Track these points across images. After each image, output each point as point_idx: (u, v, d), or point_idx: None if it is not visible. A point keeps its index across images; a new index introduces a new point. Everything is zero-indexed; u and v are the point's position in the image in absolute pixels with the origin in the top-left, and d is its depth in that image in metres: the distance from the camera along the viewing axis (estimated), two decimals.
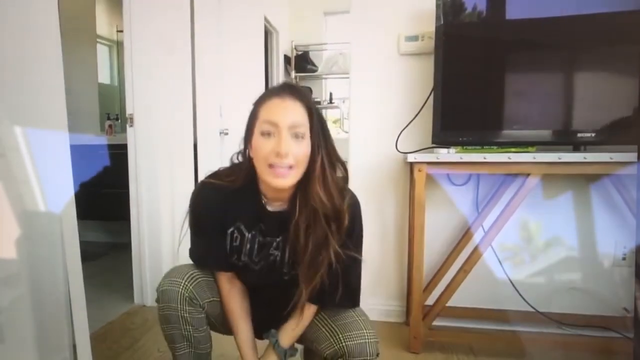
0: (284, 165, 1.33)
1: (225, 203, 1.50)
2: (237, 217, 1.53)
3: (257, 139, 1.37)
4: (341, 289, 1.46)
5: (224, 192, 1.49)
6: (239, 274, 1.61)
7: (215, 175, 1.54)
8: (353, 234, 1.49)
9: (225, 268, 1.58)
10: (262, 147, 1.35)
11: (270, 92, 1.40)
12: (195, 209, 1.55)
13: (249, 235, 1.53)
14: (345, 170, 1.53)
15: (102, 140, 4.61)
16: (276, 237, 1.52)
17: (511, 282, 2.55)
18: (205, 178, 1.55)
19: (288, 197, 1.48)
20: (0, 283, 1.75)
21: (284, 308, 1.53)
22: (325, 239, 1.41)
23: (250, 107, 1.44)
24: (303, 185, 1.42)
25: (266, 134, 1.34)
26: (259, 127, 1.36)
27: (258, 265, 1.55)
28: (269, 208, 1.51)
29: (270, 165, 1.34)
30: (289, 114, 1.34)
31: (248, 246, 1.53)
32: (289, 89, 1.39)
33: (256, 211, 1.51)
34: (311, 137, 1.38)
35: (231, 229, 1.53)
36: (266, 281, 1.57)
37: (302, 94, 1.39)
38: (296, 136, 1.34)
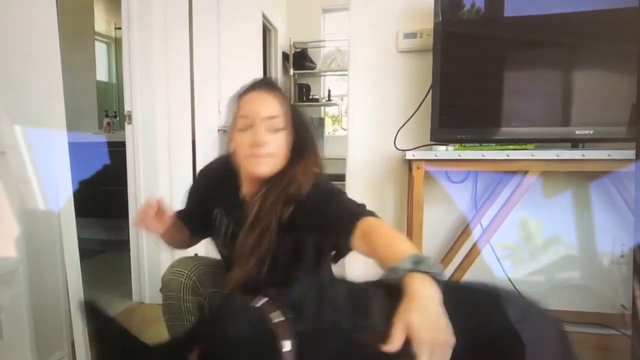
0: (262, 154, 1.36)
1: (217, 185, 1.60)
2: (221, 202, 1.59)
3: (236, 135, 1.40)
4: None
5: (217, 175, 1.62)
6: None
7: (210, 165, 1.72)
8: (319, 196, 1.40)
9: (196, 229, 1.70)
10: (241, 142, 1.39)
11: (247, 87, 1.44)
12: (198, 179, 1.75)
13: (225, 221, 1.56)
14: (320, 167, 1.50)
15: (101, 137, 4.62)
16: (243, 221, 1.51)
17: (509, 279, 2.55)
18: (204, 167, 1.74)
19: (260, 183, 1.47)
20: None
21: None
22: (273, 204, 1.39)
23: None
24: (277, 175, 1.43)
25: (244, 129, 1.38)
26: (237, 123, 1.40)
27: (229, 254, 1.54)
28: (246, 199, 1.50)
29: (250, 156, 1.37)
30: (265, 106, 1.38)
31: (223, 230, 1.57)
32: (264, 83, 1.44)
33: (235, 201, 1.53)
34: (289, 128, 1.42)
35: (215, 211, 1.60)
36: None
37: (277, 87, 1.44)
38: (273, 128, 1.37)
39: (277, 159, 1.40)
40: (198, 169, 3.20)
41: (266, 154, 1.36)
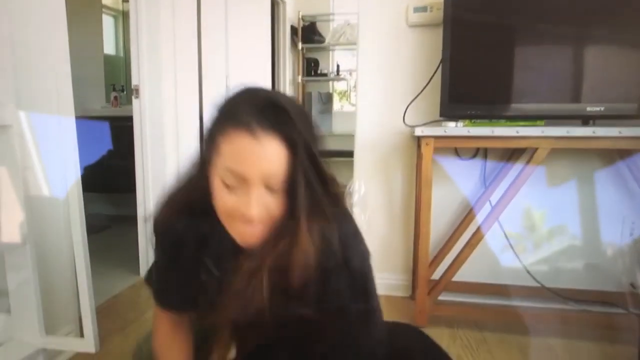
0: (250, 225, 0.95)
1: (196, 237, 1.11)
2: (207, 253, 1.13)
3: (216, 184, 0.95)
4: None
5: (187, 219, 1.11)
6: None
7: (175, 201, 1.14)
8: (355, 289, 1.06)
9: (187, 309, 1.26)
10: (223, 201, 0.95)
11: (239, 122, 0.90)
12: (163, 242, 1.19)
13: (218, 275, 1.13)
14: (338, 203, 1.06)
15: (108, 112, 4.61)
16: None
17: (518, 257, 2.54)
18: (164, 202, 1.17)
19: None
20: (6, 256, 1.75)
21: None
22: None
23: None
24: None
25: (231, 187, 0.93)
26: (219, 171, 0.93)
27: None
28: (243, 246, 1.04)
29: (233, 222, 0.97)
30: (264, 162, 0.89)
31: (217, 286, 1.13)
32: (265, 118, 0.90)
33: (227, 248, 1.05)
34: (290, 186, 0.94)
35: (200, 266, 1.14)
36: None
37: (283, 122, 0.91)
38: (269, 188, 0.92)
39: (268, 227, 0.97)
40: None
41: (257, 224, 0.95)
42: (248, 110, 0.90)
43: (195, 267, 1.14)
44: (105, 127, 4.27)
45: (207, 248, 1.11)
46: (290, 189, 0.93)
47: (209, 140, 0.96)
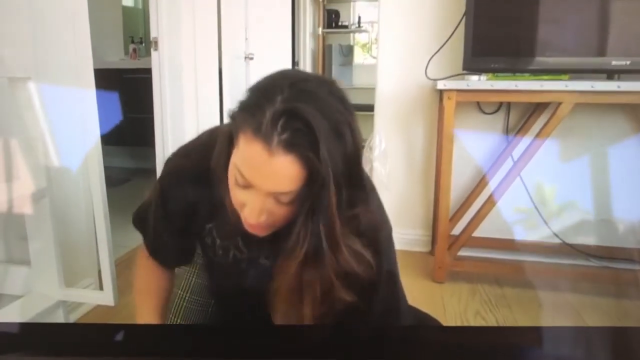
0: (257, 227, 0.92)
1: (202, 198, 1.09)
2: (212, 218, 1.12)
3: (231, 172, 0.90)
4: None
5: (197, 178, 1.06)
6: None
7: (189, 157, 1.12)
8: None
9: (174, 265, 1.30)
10: (233, 192, 0.91)
11: (260, 127, 0.79)
12: (164, 196, 1.13)
13: (220, 244, 1.14)
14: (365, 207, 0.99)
15: (127, 64, 4.59)
16: (257, 257, 1.13)
17: (539, 212, 2.52)
18: (176, 157, 1.15)
19: None
20: (27, 207, 1.77)
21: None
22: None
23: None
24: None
25: (242, 186, 0.87)
26: (234, 162, 0.87)
27: (228, 279, 1.20)
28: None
29: (242, 213, 0.91)
30: (274, 179, 0.83)
31: (220, 252, 1.15)
32: (286, 132, 0.79)
33: (234, 221, 0.98)
34: (302, 197, 0.86)
35: (203, 231, 1.15)
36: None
37: (304, 143, 0.79)
38: (278, 200, 0.86)
39: (277, 226, 0.93)
40: (225, 97, 3.20)
41: (264, 223, 0.90)
42: (273, 115, 0.79)
43: (197, 227, 1.14)
44: (124, 79, 4.26)
45: (214, 214, 1.10)
46: (302, 201, 0.87)
47: (235, 119, 0.88)
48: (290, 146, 0.78)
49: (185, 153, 1.13)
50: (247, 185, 0.85)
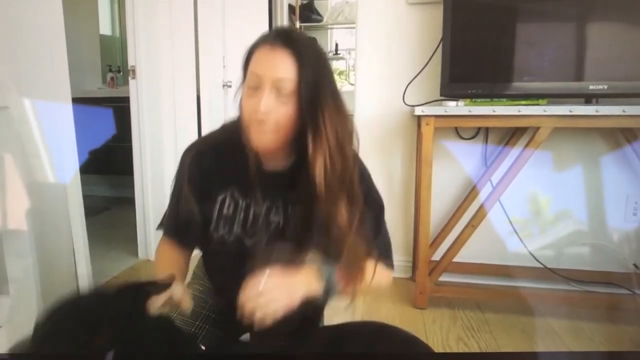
0: (263, 123, 1.12)
1: (217, 164, 1.29)
2: (230, 181, 1.29)
3: (244, 93, 1.17)
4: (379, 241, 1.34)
5: (215, 151, 1.29)
6: (220, 259, 1.37)
7: (204, 138, 1.39)
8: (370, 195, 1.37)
9: (193, 246, 1.42)
10: (245, 105, 1.15)
11: (264, 38, 1.16)
12: (181, 169, 1.32)
13: (244, 204, 1.29)
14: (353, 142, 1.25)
15: (105, 92, 4.58)
16: (275, 201, 1.28)
17: (519, 237, 2.53)
18: (192, 143, 1.36)
19: (285, 154, 1.25)
20: (5, 237, 1.74)
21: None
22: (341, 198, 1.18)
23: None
24: (304, 147, 1.16)
25: (252, 88, 1.13)
26: (247, 79, 1.16)
27: (252, 239, 1.29)
28: (266, 168, 1.26)
29: (250, 123, 1.14)
30: (276, 66, 1.11)
31: (242, 215, 1.29)
32: (283, 35, 1.14)
33: (251, 173, 1.22)
34: (300, 94, 1.12)
35: (222, 196, 1.29)
36: (261, 260, 1.18)
37: (298, 42, 1.13)
38: (280, 93, 1.11)
39: (278, 134, 1.15)
40: (203, 125, 3.19)
41: (269, 123, 1.12)
42: (271, 32, 1.18)
43: (213, 196, 1.30)
44: (102, 109, 4.24)
45: (228, 177, 1.29)
46: (299, 96, 1.13)
47: (243, 65, 1.21)
48: (285, 44, 1.12)
49: (201, 138, 1.42)
50: (256, 85, 1.13)
